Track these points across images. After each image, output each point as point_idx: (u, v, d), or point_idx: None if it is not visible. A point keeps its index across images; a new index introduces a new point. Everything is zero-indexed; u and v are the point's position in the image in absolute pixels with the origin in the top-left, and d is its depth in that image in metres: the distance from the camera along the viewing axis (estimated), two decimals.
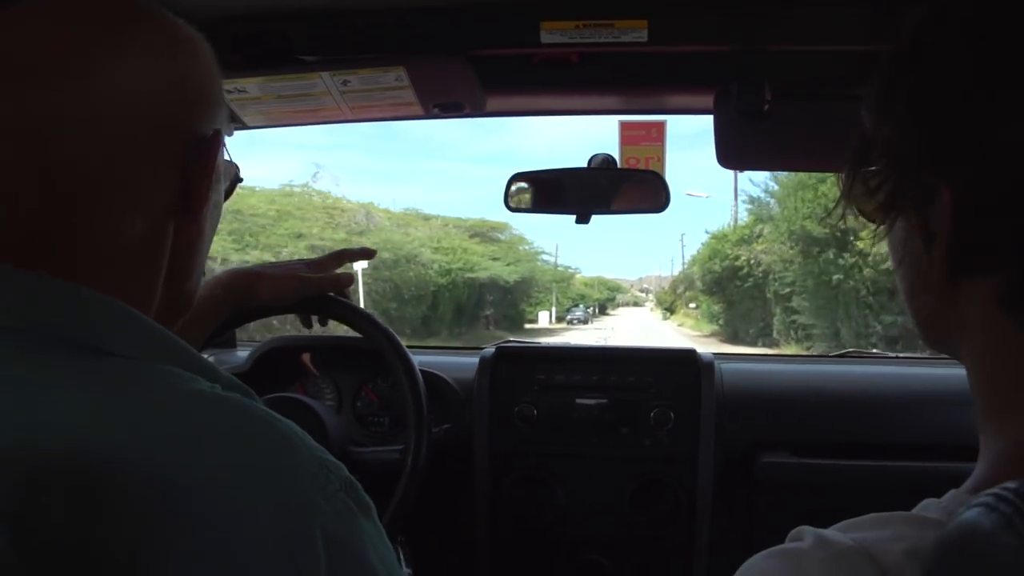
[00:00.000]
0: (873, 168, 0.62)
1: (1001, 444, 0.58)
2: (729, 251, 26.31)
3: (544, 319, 45.93)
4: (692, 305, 45.40)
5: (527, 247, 36.46)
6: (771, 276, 22.78)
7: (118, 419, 0.59)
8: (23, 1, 0.69)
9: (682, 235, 68.49)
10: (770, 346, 21.75)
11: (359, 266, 12.26)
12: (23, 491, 0.54)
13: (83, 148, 0.66)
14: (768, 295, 23.14)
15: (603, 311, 73.66)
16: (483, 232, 31.67)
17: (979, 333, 0.59)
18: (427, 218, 30.43)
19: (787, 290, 21.30)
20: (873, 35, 1.41)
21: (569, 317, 52.14)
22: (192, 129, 0.73)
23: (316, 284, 1.46)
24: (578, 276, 65.06)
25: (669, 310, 57.23)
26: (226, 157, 0.84)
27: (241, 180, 0.94)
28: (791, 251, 20.75)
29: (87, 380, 0.61)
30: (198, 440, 0.60)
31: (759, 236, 24.24)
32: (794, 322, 21.02)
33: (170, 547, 0.55)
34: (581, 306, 58.26)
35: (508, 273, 30.43)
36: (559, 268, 50.24)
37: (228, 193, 0.90)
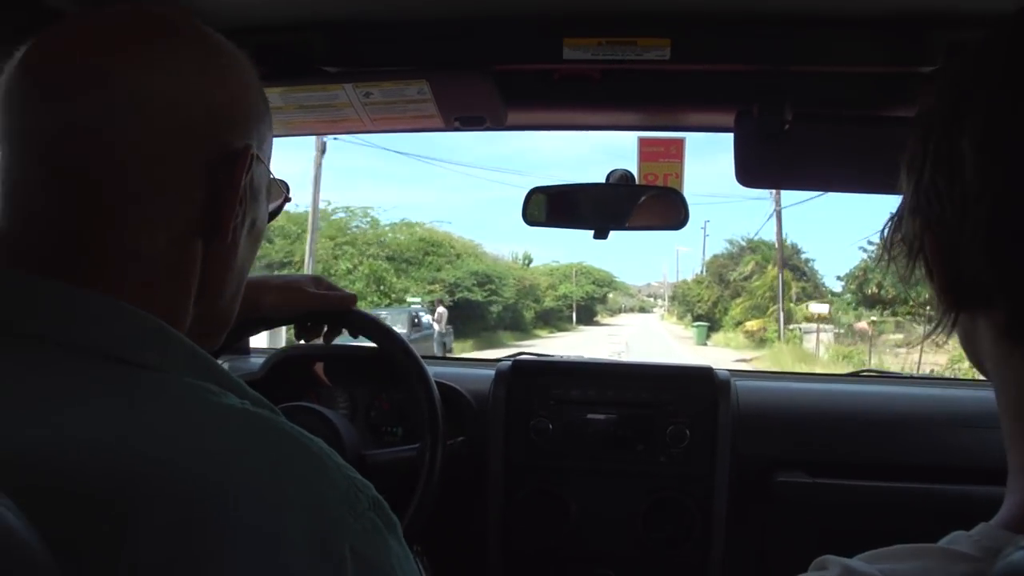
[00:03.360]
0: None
1: None
2: None
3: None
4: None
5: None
6: None
7: (154, 431, 0.59)
8: (61, 20, 0.70)
9: (705, 223, 53.18)
10: None
11: None
12: (57, 504, 0.54)
13: (106, 162, 0.67)
14: None
15: (587, 316, 57.28)
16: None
17: (997, 361, 0.59)
18: None
19: None
20: (894, 57, 1.41)
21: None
22: (220, 144, 0.72)
23: (323, 300, 1.46)
24: (505, 261, 45.86)
25: (703, 323, 38.56)
26: (272, 175, 0.83)
27: (289, 199, 0.93)
28: None
29: (118, 391, 0.62)
30: (231, 455, 0.60)
31: None
32: None
33: (204, 562, 0.55)
34: (414, 307, 25.47)
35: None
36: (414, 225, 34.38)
37: (275, 213, 0.90)
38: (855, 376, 2.21)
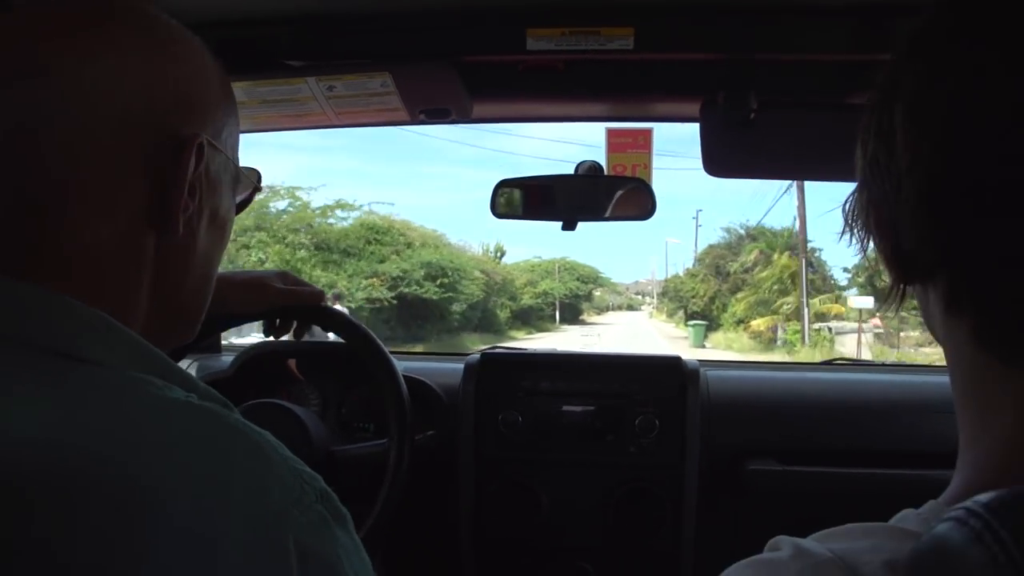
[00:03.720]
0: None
1: (975, 455, 0.58)
2: None
3: None
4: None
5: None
6: None
7: (90, 425, 0.58)
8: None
9: (698, 212, 51.82)
10: None
11: None
12: None
13: (44, 152, 0.65)
14: None
15: (572, 314, 53.86)
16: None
17: (945, 332, 0.59)
18: None
19: None
20: (859, 45, 1.41)
21: None
22: (165, 133, 0.70)
23: (290, 295, 1.46)
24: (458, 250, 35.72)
25: (701, 321, 33.54)
26: (237, 165, 0.82)
27: (260, 189, 0.91)
28: None
29: (59, 386, 0.61)
30: (170, 447, 0.59)
31: None
32: None
33: (140, 554, 0.54)
34: None
35: None
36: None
37: (244, 203, 0.88)
38: (827, 364, 2.22)
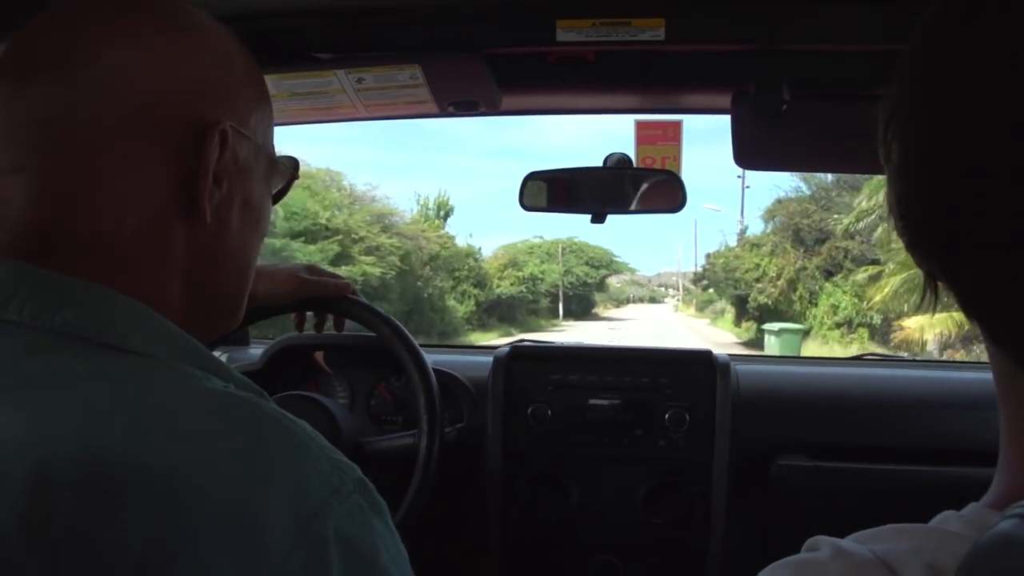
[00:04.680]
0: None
1: (1016, 455, 0.57)
2: None
3: None
4: None
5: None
6: None
7: (130, 416, 0.59)
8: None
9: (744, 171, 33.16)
10: None
11: None
12: (34, 488, 0.54)
13: (67, 144, 0.66)
14: None
15: (582, 307, 46.04)
16: None
17: (992, 354, 0.58)
18: None
19: None
20: (893, 34, 1.39)
21: None
22: (190, 121, 0.70)
23: (317, 286, 1.46)
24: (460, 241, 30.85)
25: (795, 325, 20.38)
26: (271, 152, 0.81)
27: (297, 177, 0.90)
28: None
29: (99, 377, 0.61)
30: (211, 437, 0.59)
31: None
32: None
33: (182, 545, 0.54)
34: None
35: None
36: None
37: (282, 192, 0.88)
38: (857, 360, 2.20)
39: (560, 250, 43.53)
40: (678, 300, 64.37)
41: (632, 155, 1.75)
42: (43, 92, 0.66)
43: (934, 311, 0.63)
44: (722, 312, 37.85)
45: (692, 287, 55.98)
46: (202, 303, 0.75)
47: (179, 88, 0.70)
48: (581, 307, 46.56)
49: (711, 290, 39.58)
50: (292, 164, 0.87)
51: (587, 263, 45.79)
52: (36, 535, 0.52)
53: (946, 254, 0.54)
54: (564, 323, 39.00)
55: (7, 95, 0.67)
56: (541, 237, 44.91)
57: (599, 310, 51.76)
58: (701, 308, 45.87)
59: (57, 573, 0.52)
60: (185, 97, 0.70)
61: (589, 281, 46.28)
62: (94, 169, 0.66)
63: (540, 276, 38.69)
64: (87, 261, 0.66)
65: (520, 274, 36.95)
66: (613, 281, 59.34)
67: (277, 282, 1.42)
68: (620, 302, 64.63)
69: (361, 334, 1.66)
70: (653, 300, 73.94)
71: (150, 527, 0.54)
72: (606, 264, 48.57)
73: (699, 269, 44.41)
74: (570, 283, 43.32)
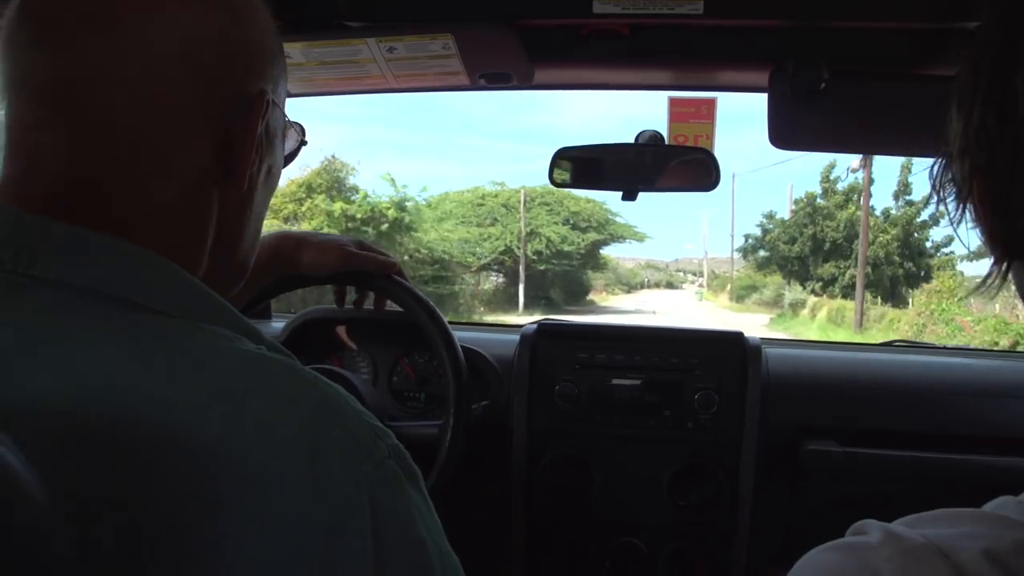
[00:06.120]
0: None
1: None
2: None
3: None
4: None
5: None
6: None
7: (161, 376, 0.58)
8: None
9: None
10: None
11: None
12: (62, 448, 0.53)
13: (114, 106, 0.65)
14: None
15: (572, 292, 32.54)
16: None
17: None
18: None
19: None
20: (935, 14, 1.36)
21: None
22: (234, 88, 0.71)
23: (359, 259, 1.44)
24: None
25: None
26: (287, 119, 0.82)
27: (306, 143, 0.91)
28: None
29: (129, 336, 0.60)
30: (242, 398, 0.58)
31: None
32: None
33: (214, 503, 0.53)
34: None
35: None
36: None
37: (291, 156, 0.88)
38: (887, 346, 2.17)
39: (522, 198, 28.21)
40: (702, 286, 52.91)
41: (664, 133, 1.72)
42: (91, 47, 0.64)
43: (997, 293, 0.61)
44: (793, 306, 26.82)
45: (721, 272, 48.09)
46: (222, 266, 0.76)
47: (227, 56, 0.70)
48: (569, 292, 32.36)
49: (760, 272, 32.70)
50: (300, 130, 0.89)
51: (569, 223, 30.21)
52: (64, 498, 0.51)
53: None
54: (524, 317, 20.67)
55: (42, 48, 0.65)
56: (501, 184, 29.96)
57: (596, 297, 37.70)
58: (739, 297, 34.90)
59: (85, 537, 0.51)
60: (231, 65, 0.70)
61: (568, 250, 29.97)
62: (141, 133, 0.66)
63: (470, 240, 25.96)
64: (124, 222, 0.65)
65: (430, 236, 24.70)
66: (613, 256, 41.66)
67: (323, 252, 1.42)
68: (632, 287, 52.31)
69: (384, 311, 1.65)
70: (671, 286, 63.45)
71: (182, 487, 0.53)
72: (598, 225, 31.28)
73: (746, 240, 32.79)
74: (537, 252, 28.48)
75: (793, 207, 29.38)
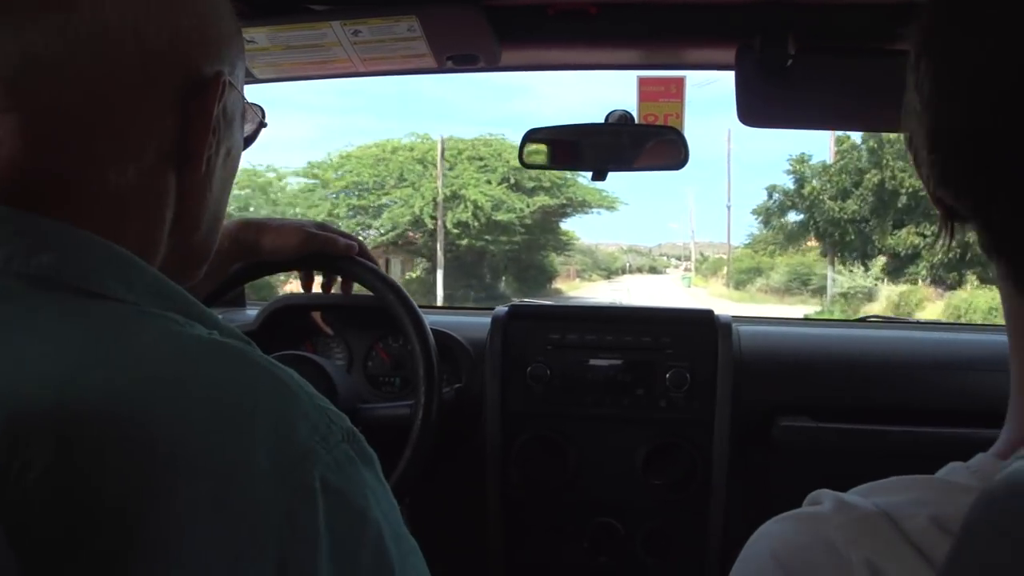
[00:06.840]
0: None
1: None
2: None
3: None
4: None
5: None
6: None
7: (106, 363, 0.57)
8: None
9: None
10: None
11: None
12: (6, 440, 0.52)
13: (67, 91, 0.64)
14: None
15: (531, 281, 25.51)
16: None
17: (1006, 301, 0.57)
18: None
19: None
20: None
21: None
22: (189, 70, 0.69)
23: (320, 241, 1.42)
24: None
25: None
26: (246, 100, 0.81)
27: (265, 125, 0.90)
28: None
29: (75, 323, 0.59)
30: (192, 384, 0.58)
31: None
32: None
33: (163, 491, 0.53)
34: None
35: None
36: None
37: (251, 139, 0.87)
38: (861, 322, 2.19)
39: (440, 148, 21.76)
40: (688, 270, 47.67)
41: (635, 113, 1.72)
42: (43, 31, 0.63)
43: (948, 251, 0.62)
44: (847, 297, 19.68)
45: (711, 255, 43.66)
46: (179, 252, 0.75)
47: (181, 38, 0.69)
48: (524, 280, 24.90)
49: (767, 249, 25.94)
50: (260, 112, 0.87)
51: (508, 182, 22.37)
52: (10, 488, 0.51)
53: (981, 187, 0.53)
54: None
55: None
56: (416, 135, 23.22)
57: (565, 285, 30.55)
58: (739, 283, 28.98)
59: (31, 527, 0.51)
60: (185, 47, 0.69)
61: (504, 220, 22.34)
62: (95, 117, 0.65)
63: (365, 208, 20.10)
64: (79, 207, 0.64)
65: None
66: (577, 235, 32.03)
67: (283, 236, 1.40)
68: (612, 272, 46.73)
69: (358, 295, 1.65)
70: (654, 271, 58.99)
71: (126, 478, 0.52)
72: (551, 187, 23.38)
73: (770, 197, 24.81)
74: (461, 223, 21.68)
75: (836, 148, 21.05)
